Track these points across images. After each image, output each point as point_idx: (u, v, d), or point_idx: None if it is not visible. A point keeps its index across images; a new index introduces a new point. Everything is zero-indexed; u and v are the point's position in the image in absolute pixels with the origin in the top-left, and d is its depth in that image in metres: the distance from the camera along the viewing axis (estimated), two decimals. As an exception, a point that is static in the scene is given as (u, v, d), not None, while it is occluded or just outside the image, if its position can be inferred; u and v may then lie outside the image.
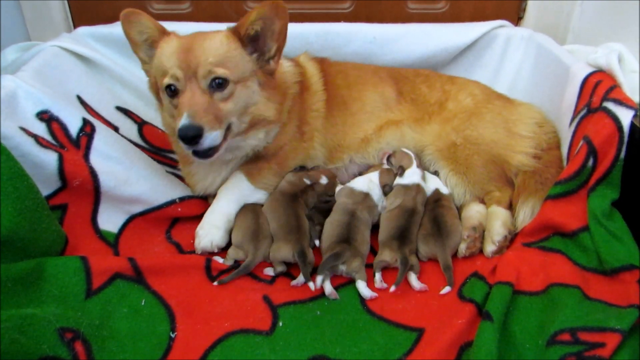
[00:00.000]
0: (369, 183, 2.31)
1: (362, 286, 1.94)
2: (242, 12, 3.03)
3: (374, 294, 1.92)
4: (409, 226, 2.14)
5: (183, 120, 1.90)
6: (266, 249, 2.08)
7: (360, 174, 2.50)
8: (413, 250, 2.10)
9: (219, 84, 1.99)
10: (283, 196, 2.23)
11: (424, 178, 2.38)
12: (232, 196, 2.25)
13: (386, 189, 2.29)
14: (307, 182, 2.30)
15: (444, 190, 2.36)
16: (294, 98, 2.35)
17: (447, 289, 1.97)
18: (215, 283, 1.95)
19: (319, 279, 1.96)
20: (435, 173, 2.46)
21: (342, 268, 1.99)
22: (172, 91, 2.02)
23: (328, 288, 1.95)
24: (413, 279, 1.99)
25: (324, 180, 2.35)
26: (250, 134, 2.19)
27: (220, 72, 1.98)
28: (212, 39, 2.04)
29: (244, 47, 2.08)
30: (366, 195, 2.23)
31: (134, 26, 2.07)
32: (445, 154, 2.45)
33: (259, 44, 2.10)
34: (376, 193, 2.28)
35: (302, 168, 2.40)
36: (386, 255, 2.06)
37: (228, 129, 2.06)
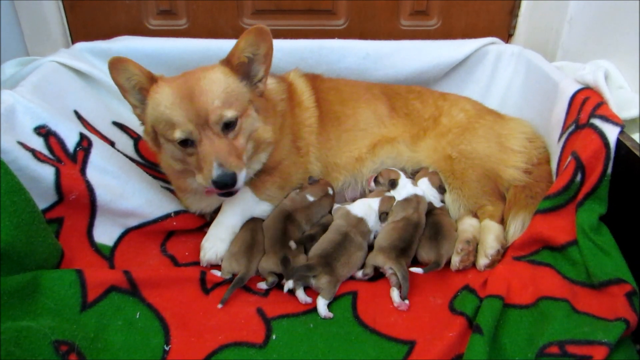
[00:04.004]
0: (367, 209, 2.31)
1: (321, 304, 1.95)
2: (238, 28, 3.08)
3: (330, 314, 1.93)
4: (412, 240, 2.17)
5: (216, 171, 1.93)
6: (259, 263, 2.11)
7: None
8: (407, 264, 2.11)
9: (229, 124, 2.01)
10: (281, 213, 2.26)
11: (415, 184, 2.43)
12: (237, 208, 2.28)
13: (382, 217, 2.31)
14: (311, 199, 2.32)
15: (437, 204, 2.41)
16: (284, 114, 2.37)
17: (418, 269, 2.05)
18: (219, 306, 1.95)
19: (288, 283, 1.99)
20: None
21: (312, 282, 2.01)
22: (186, 142, 2.01)
23: (301, 296, 1.98)
24: (395, 294, 2.00)
25: (331, 190, 2.38)
26: (254, 159, 2.23)
27: (230, 114, 1.99)
28: (210, 80, 2.03)
29: (238, 77, 2.10)
30: (360, 220, 2.24)
31: (121, 73, 2.04)
32: (442, 166, 2.49)
33: (248, 69, 2.11)
34: (372, 219, 2.28)
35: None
36: (379, 260, 2.09)
37: None
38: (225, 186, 1.95)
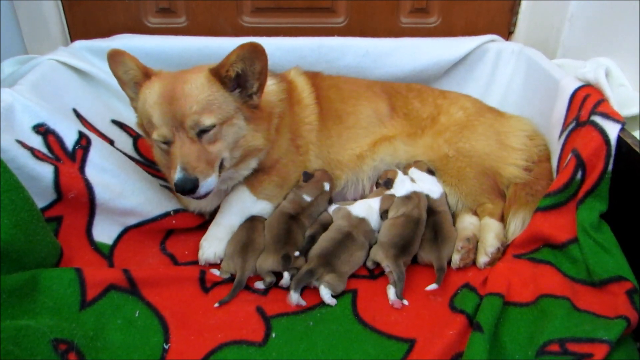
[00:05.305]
0: (368, 209, 2.29)
1: (324, 292, 1.96)
2: (237, 27, 3.07)
3: (333, 301, 1.95)
4: (414, 237, 2.15)
5: (178, 174, 1.93)
6: (255, 262, 2.10)
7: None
8: (407, 263, 2.11)
9: (205, 130, 2.00)
10: (283, 214, 2.26)
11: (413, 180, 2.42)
12: (235, 208, 2.28)
13: (383, 216, 2.30)
14: (308, 199, 2.31)
15: (434, 194, 2.38)
16: (281, 115, 2.35)
17: (433, 285, 2.02)
18: (216, 305, 1.95)
19: (294, 296, 1.96)
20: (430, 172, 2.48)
21: (315, 283, 2.00)
22: (163, 141, 2.03)
23: (294, 297, 1.96)
24: (391, 291, 2.00)
25: (327, 187, 2.37)
26: (242, 165, 2.22)
27: (207, 121, 1.98)
28: (193, 85, 2.01)
29: (226, 87, 2.06)
30: (362, 221, 2.23)
31: (119, 66, 2.08)
32: (437, 164, 2.49)
33: (241, 80, 2.08)
34: (374, 219, 2.27)
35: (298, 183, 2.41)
36: (378, 256, 2.10)
37: (220, 165, 2.08)
38: (185, 191, 1.94)
